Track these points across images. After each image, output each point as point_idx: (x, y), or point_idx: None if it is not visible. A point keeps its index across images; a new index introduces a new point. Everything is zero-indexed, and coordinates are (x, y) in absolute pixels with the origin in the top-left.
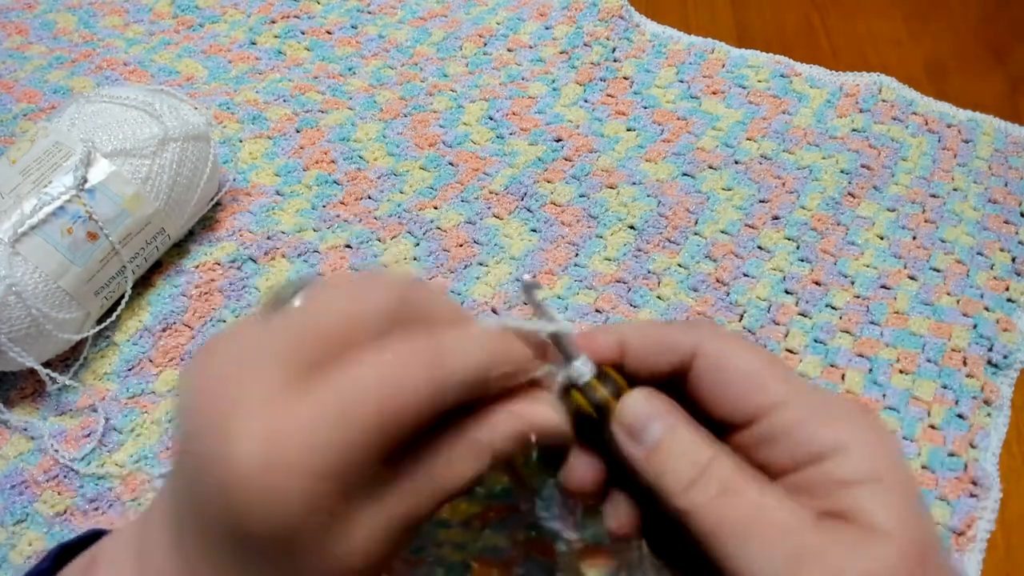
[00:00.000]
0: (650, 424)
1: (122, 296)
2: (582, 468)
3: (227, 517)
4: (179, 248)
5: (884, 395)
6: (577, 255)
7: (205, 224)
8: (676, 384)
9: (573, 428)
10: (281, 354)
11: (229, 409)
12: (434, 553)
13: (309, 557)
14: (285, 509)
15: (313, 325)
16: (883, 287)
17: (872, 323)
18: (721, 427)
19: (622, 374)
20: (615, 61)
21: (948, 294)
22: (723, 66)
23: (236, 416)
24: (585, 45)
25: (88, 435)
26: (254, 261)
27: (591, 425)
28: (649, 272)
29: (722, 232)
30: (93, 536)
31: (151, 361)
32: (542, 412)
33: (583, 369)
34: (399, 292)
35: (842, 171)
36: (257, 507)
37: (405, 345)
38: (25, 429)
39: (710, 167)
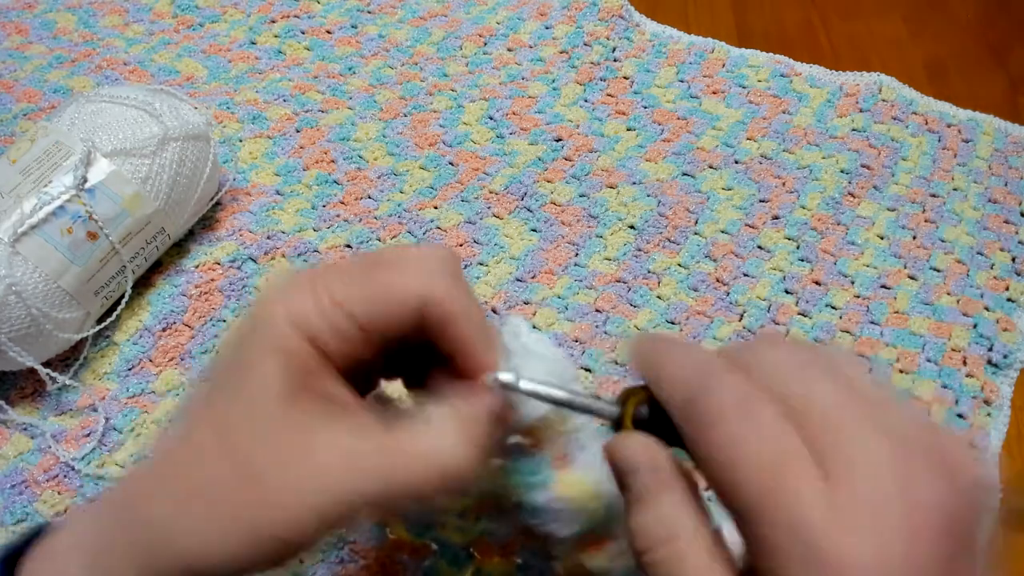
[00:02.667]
0: (637, 472)
1: (122, 296)
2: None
3: (247, 316)
4: (179, 248)
5: None
6: (577, 255)
7: (205, 224)
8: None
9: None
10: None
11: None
12: (438, 537)
13: (277, 406)
14: (288, 304)
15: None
16: (883, 287)
17: (872, 323)
18: None
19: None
20: (615, 61)
21: (948, 294)
22: (723, 66)
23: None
24: (585, 45)
25: (88, 435)
26: (254, 261)
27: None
28: (649, 272)
29: (722, 232)
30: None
31: (151, 361)
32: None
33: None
34: (445, 254)
35: (842, 171)
36: (271, 300)
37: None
38: (25, 429)
39: (710, 167)
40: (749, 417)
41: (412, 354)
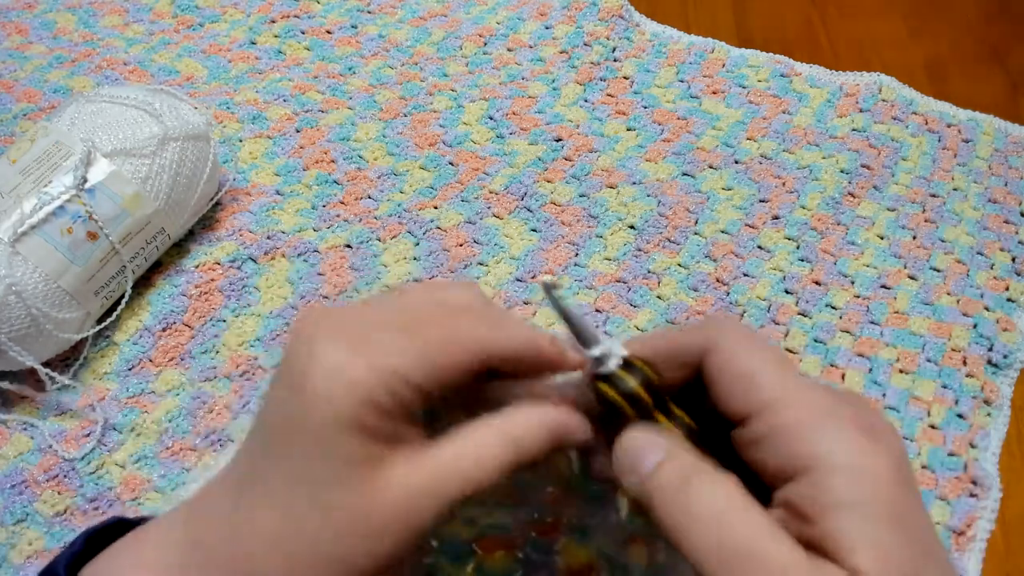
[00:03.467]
0: (646, 454)
1: (122, 296)
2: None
3: (294, 393)
4: (179, 248)
5: (884, 395)
6: (577, 255)
7: (205, 224)
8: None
9: (599, 416)
10: (375, 306)
11: (324, 328)
12: (439, 533)
13: (343, 475)
14: (346, 388)
15: (405, 292)
16: (883, 287)
17: (872, 323)
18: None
19: (649, 364)
20: (615, 61)
21: (948, 294)
22: (723, 66)
23: (328, 331)
24: (585, 45)
25: (88, 435)
26: (254, 261)
27: (618, 414)
28: (649, 272)
29: (722, 232)
30: (119, 522)
31: (151, 361)
32: (568, 417)
33: (610, 358)
34: (479, 291)
35: (842, 171)
36: (323, 378)
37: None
38: (25, 429)
39: (710, 167)
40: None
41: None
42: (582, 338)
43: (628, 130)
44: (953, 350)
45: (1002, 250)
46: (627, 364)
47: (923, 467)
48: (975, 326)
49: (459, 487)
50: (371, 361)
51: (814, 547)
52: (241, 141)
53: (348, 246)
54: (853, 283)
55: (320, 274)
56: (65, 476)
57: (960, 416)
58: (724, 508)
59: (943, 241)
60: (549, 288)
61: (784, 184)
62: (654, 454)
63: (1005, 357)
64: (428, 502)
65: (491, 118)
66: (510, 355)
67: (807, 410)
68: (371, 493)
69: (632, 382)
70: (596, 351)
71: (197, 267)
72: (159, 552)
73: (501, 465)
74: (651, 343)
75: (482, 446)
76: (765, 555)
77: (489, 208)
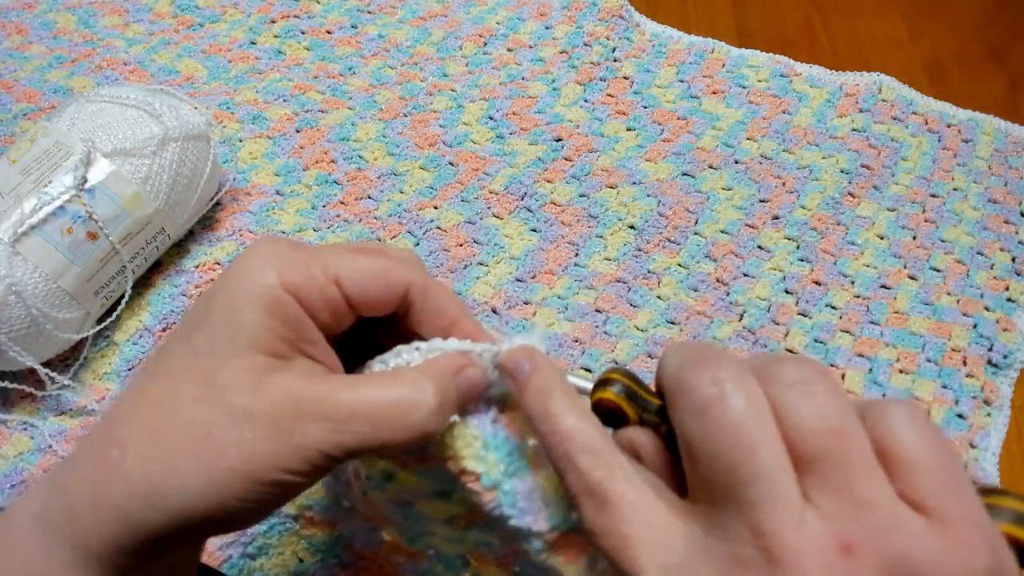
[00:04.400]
0: (521, 364)
1: (122, 296)
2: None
3: (223, 277)
4: (179, 248)
5: (884, 395)
6: (577, 255)
7: (205, 224)
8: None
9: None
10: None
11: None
12: (431, 544)
13: (246, 357)
14: (268, 271)
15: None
16: (883, 287)
17: (872, 323)
18: None
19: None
20: (615, 61)
21: (948, 294)
22: (723, 66)
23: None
24: (585, 45)
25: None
26: None
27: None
28: (649, 272)
29: (722, 232)
30: None
31: None
32: (471, 369)
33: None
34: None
35: (842, 171)
36: (251, 262)
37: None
38: (25, 429)
39: (710, 167)
40: (750, 407)
41: (368, 336)
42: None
43: (628, 130)
44: (953, 350)
45: (1002, 250)
46: (602, 381)
47: None
48: (975, 326)
49: (356, 427)
50: (303, 253)
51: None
52: (241, 141)
53: None
54: (853, 283)
55: None
56: None
57: (960, 416)
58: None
59: (943, 241)
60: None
61: (784, 184)
62: (527, 363)
63: (1005, 357)
64: (315, 429)
65: (491, 118)
66: (430, 295)
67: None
68: (255, 387)
69: (611, 392)
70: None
71: (197, 267)
72: (48, 474)
73: (407, 406)
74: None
75: (386, 388)
76: (602, 450)
77: (489, 208)
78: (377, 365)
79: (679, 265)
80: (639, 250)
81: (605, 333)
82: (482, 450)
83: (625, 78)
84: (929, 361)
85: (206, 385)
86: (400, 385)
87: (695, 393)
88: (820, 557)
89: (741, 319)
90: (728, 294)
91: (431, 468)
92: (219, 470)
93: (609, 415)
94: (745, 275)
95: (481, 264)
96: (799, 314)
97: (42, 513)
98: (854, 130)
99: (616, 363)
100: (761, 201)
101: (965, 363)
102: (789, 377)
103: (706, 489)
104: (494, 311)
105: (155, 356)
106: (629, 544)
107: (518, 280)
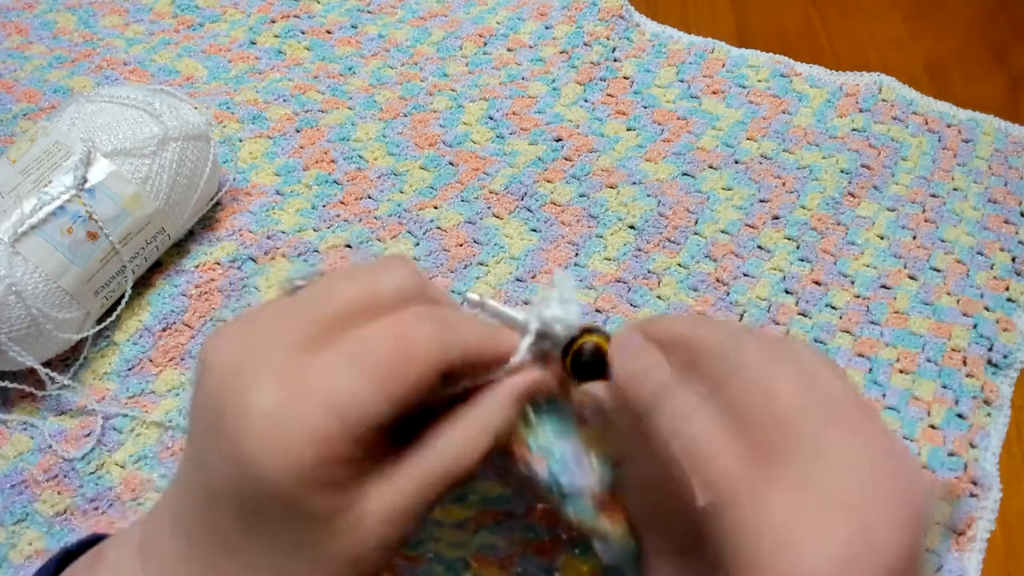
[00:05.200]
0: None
1: (122, 296)
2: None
3: (240, 470)
4: (179, 248)
5: (884, 395)
6: (577, 255)
7: (205, 224)
8: None
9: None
10: (299, 317)
11: (245, 366)
12: (433, 549)
13: (320, 531)
14: (298, 457)
15: (332, 293)
16: (883, 287)
17: (872, 323)
18: None
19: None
20: (615, 61)
21: (948, 294)
22: (723, 66)
23: (252, 370)
24: (585, 45)
25: (88, 435)
26: (254, 261)
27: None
28: (649, 272)
29: (722, 232)
30: (95, 540)
31: (151, 361)
32: (524, 376)
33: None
34: (414, 269)
35: (842, 171)
36: (270, 454)
37: (417, 308)
38: (25, 429)
39: (710, 167)
40: (701, 430)
41: None
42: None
43: (628, 130)
44: (953, 350)
45: (1002, 250)
46: (587, 330)
47: (923, 467)
48: (975, 326)
49: (441, 485)
50: (318, 404)
51: None
52: (241, 141)
53: (348, 246)
54: (853, 283)
55: (320, 274)
56: (65, 476)
57: (960, 416)
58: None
59: (943, 241)
60: (477, 305)
61: (784, 184)
62: (660, 371)
63: (1005, 357)
64: (408, 518)
65: (491, 118)
66: (468, 360)
67: None
68: (348, 536)
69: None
70: (568, 327)
71: (197, 267)
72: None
73: (481, 450)
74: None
75: (459, 440)
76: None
77: (489, 208)
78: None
79: (679, 265)
80: (639, 250)
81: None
82: (530, 418)
83: (625, 78)
84: (929, 361)
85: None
86: (473, 426)
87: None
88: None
89: (741, 319)
90: (728, 294)
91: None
92: None
93: (590, 365)
94: (745, 275)
95: (481, 264)
96: (799, 314)
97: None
98: (854, 130)
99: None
100: (761, 201)
101: (965, 363)
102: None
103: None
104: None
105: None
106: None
107: (518, 280)
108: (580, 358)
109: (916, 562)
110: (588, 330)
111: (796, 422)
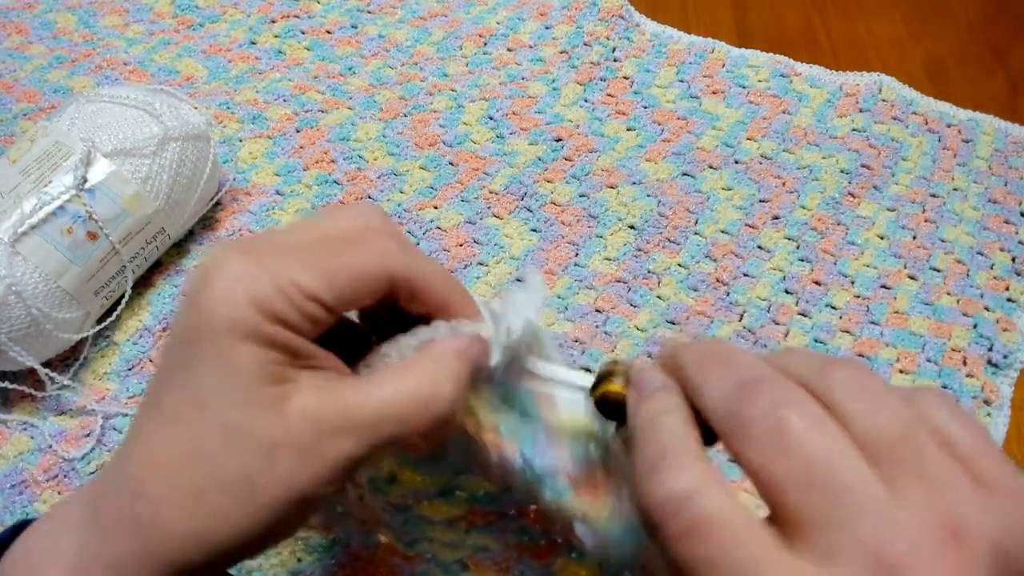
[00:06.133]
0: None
1: (122, 296)
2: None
3: (193, 309)
4: (179, 248)
5: None
6: (577, 255)
7: (205, 224)
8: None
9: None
10: (288, 234)
11: (229, 255)
12: (429, 549)
13: (245, 393)
14: (235, 304)
15: (315, 222)
16: (883, 287)
17: (872, 323)
18: None
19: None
20: (615, 61)
21: (948, 294)
22: (723, 66)
23: (232, 256)
24: (585, 45)
25: (88, 435)
26: None
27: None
28: (649, 272)
29: (722, 232)
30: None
31: (151, 361)
32: (471, 341)
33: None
34: (385, 215)
35: (842, 171)
36: (217, 299)
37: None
38: (25, 429)
39: (710, 167)
40: (815, 428)
41: (384, 311)
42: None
43: (628, 130)
44: (953, 350)
45: (1002, 250)
46: (609, 371)
47: None
48: (975, 326)
49: (385, 429)
50: (272, 272)
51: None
52: (241, 141)
53: None
54: (853, 283)
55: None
56: (65, 476)
57: None
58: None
59: (943, 241)
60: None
61: (784, 184)
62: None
63: (1005, 357)
64: (345, 441)
65: (491, 118)
66: (414, 279)
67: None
68: (276, 419)
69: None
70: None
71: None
72: (64, 518)
73: (423, 401)
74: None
75: (396, 382)
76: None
77: (489, 208)
78: (379, 360)
79: (679, 265)
80: (639, 250)
81: (605, 333)
82: (495, 403)
83: (625, 78)
84: (929, 361)
85: (227, 432)
86: (417, 379)
87: (753, 426)
88: (930, 547)
89: (741, 319)
90: (728, 294)
91: (442, 453)
92: (261, 507)
93: (615, 408)
94: (745, 275)
95: (481, 264)
96: (799, 314)
97: (80, 566)
98: (854, 130)
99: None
100: (761, 201)
101: (965, 363)
102: (844, 383)
103: (791, 516)
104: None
105: (153, 403)
106: None
107: (518, 280)
108: (604, 406)
109: None
110: (610, 372)
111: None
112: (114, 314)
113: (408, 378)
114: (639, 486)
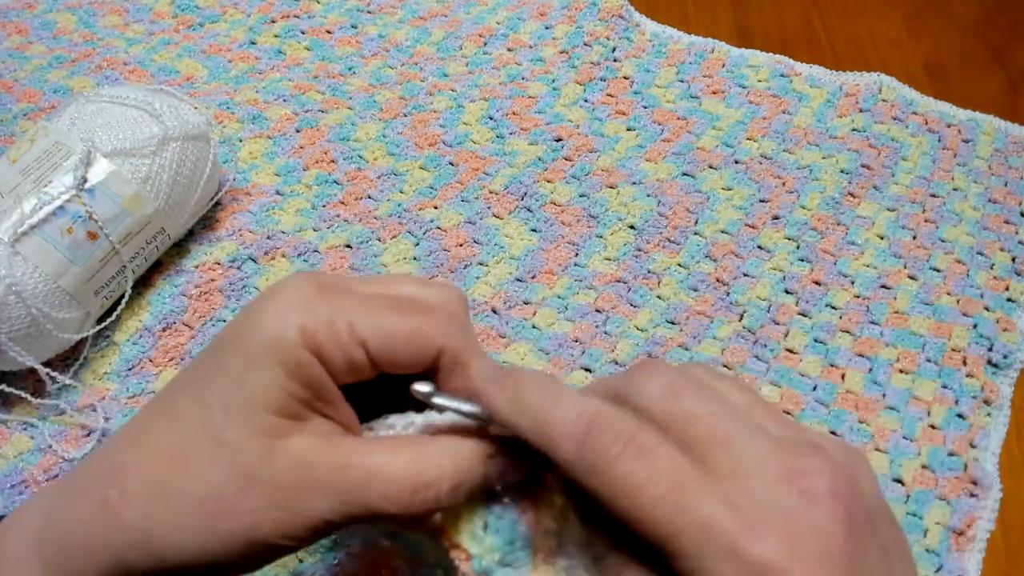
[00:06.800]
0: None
1: (122, 296)
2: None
3: (243, 316)
4: (179, 248)
5: (884, 395)
6: (577, 255)
7: (205, 224)
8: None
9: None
10: (352, 284)
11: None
12: (429, 559)
13: (251, 416)
14: (283, 324)
15: (389, 281)
16: (883, 287)
17: (872, 323)
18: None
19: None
20: (615, 61)
21: (948, 294)
22: (723, 66)
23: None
24: (585, 45)
25: (88, 435)
26: (254, 261)
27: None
28: (649, 272)
29: (722, 232)
30: None
31: (151, 361)
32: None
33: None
34: (464, 300)
35: (842, 171)
36: (268, 313)
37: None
38: (25, 429)
39: (710, 167)
40: (640, 452)
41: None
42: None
43: (628, 130)
44: (953, 350)
45: (1002, 250)
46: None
47: (923, 467)
48: (975, 326)
49: (367, 498)
50: (333, 307)
51: None
52: (241, 141)
53: (348, 246)
54: (853, 283)
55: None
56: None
57: (960, 416)
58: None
59: (943, 241)
60: (429, 396)
61: (784, 184)
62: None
63: (1005, 357)
64: (324, 501)
65: (491, 118)
66: (462, 366)
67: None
68: (265, 452)
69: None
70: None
71: (197, 267)
72: (49, 487)
73: (436, 492)
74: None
75: (403, 452)
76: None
77: (489, 208)
78: (384, 428)
79: (679, 265)
80: (639, 250)
81: (605, 333)
82: (481, 531)
83: (625, 78)
84: (929, 361)
85: (216, 445)
86: (418, 460)
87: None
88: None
89: (741, 319)
90: (728, 294)
91: (418, 537)
92: (221, 531)
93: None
94: (745, 275)
95: (481, 264)
96: (799, 314)
97: (39, 540)
98: (854, 130)
99: (616, 362)
100: (761, 201)
101: (965, 363)
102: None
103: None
104: (494, 311)
105: (165, 396)
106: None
107: (518, 280)
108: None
109: (864, 527)
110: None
111: (716, 437)
112: (114, 314)
113: (412, 457)
114: (539, 430)
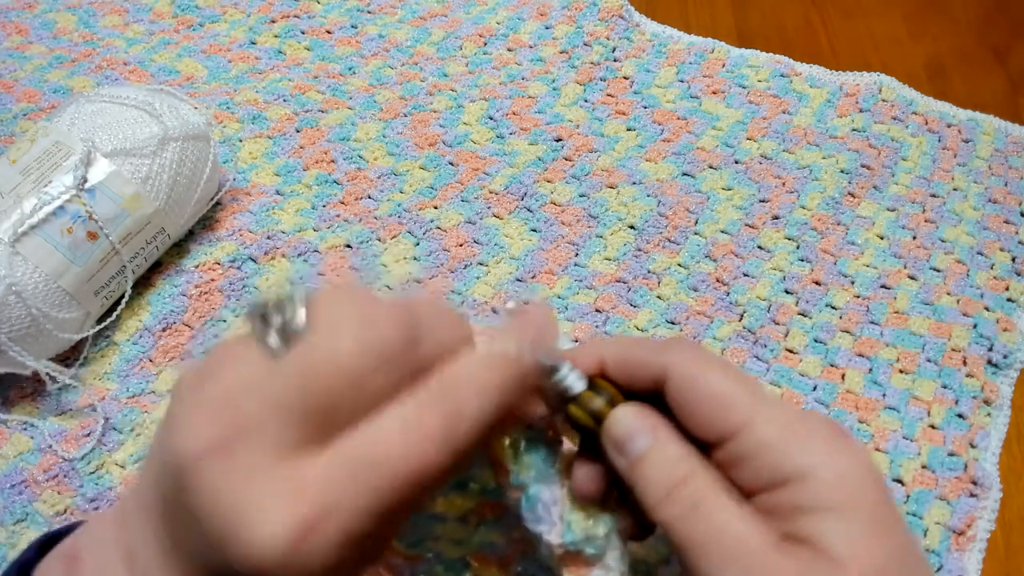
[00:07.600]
0: (635, 437)
1: (122, 296)
2: (585, 477)
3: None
4: (179, 248)
5: (884, 395)
6: (577, 255)
7: (205, 224)
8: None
9: (577, 439)
10: (291, 410)
11: (242, 483)
12: (432, 548)
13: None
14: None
15: (322, 372)
16: (883, 287)
17: (872, 323)
18: (705, 445)
19: (613, 383)
20: (615, 61)
21: (948, 294)
22: (723, 66)
23: (252, 490)
24: (585, 45)
25: (88, 435)
26: (254, 261)
27: (590, 435)
28: (649, 272)
29: (722, 232)
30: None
31: (151, 361)
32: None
33: (575, 381)
34: (407, 320)
35: (842, 171)
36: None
37: (420, 396)
38: (25, 429)
39: (710, 167)
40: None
41: None
42: (549, 361)
43: (628, 130)
44: (953, 350)
45: (1002, 250)
46: (592, 384)
47: (923, 467)
48: (975, 326)
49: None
50: (308, 514)
51: (787, 539)
52: (241, 141)
53: (348, 246)
54: (853, 283)
55: (320, 274)
56: (65, 476)
57: (960, 416)
58: (701, 495)
59: (943, 241)
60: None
61: (784, 184)
62: (640, 441)
63: (1005, 357)
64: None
65: (491, 118)
66: (481, 435)
67: (783, 427)
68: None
69: (599, 402)
70: (563, 373)
71: (197, 267)
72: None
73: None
74: (617, 351)
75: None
76: (735, 536)
77: (489, 208)
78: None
79: (679, 265)
80: (639, 250)
81: (605, 333)
82: (519, 450)
83: (625, 78)
84: (929, 361)
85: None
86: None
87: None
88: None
89: (741, 319)
90: (728, 294)
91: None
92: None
93: (585, 427)
94: (745, 275)
95: (481, 264)
96: (799, 314)
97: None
98: (854, 130)
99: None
100: (761, 201)
101: (965, 363)
102: None
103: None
104: (494, 311)
105: None
106: None
107: (518, 280)
108: (578, 420)
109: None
110: (592, 386)
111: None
112: (114, 314)
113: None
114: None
